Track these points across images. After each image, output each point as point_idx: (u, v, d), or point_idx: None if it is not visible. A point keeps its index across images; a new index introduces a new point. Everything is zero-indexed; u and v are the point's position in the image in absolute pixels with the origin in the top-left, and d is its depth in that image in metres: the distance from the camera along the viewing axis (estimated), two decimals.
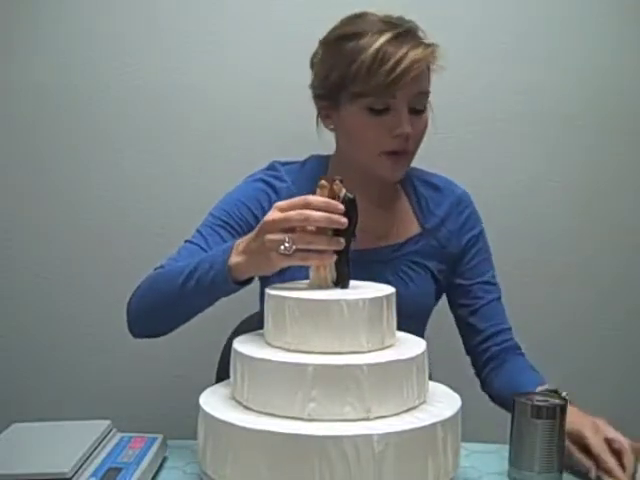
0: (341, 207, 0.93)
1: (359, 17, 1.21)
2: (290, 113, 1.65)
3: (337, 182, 0.95)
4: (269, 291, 0.93)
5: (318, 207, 0.92)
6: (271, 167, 1.31)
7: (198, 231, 1.24)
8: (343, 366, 0.84)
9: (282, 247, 0.92)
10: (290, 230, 0.93)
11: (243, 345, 0.93)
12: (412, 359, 0.89)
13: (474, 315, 1.30)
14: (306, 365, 0.84)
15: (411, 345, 0.94)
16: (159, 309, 1.12)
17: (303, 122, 1.29)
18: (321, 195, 0.94)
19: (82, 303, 1.76)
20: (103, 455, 0.98)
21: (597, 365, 1.75)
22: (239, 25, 1.69)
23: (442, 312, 1.36)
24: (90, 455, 0.97)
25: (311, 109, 1.27)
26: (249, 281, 1.04)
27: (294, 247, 0.92)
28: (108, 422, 1.07)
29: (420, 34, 1.20)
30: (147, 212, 1.73)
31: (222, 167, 1.67)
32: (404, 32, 1.17)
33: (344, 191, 0.94)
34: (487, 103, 1.70)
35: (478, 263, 1.32)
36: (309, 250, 0.93)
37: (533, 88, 1.70)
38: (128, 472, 0.93)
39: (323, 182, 0.95)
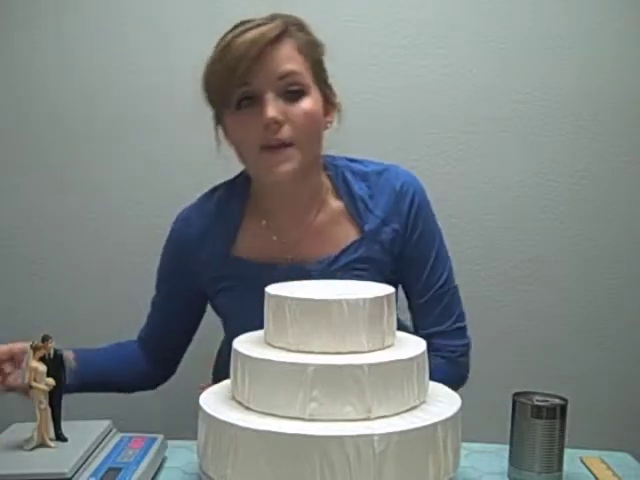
0: None
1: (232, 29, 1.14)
2: None
3: (50, 342, 0.98)
4: (269, 291, 0.93)
5: None
6: (196, 203, 1.31)
7: (154, 303, 1.28)
8: (344, 366, 0.84)
9: None
10: None
11: (243, 345, 0.93)
12: (412, 359, 0.89)
13: (411, 311, 1.25)
14: (307, 365, 0.84)
15: (411, 345, 0.94)
16: None
17: None
18: (34, 357, 0.97)
19: (82, 303, 1.76)
20: (103, 455, 0.98)
21: (598, 366, 1.75)
22: None
23: None
24: (90, 455, 0.96)
25: None
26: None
27: None
28: (108, 422, 1.06)
29: (291, 27, 1.12)
30: (149, 212, 1.73)
31: (224, 166, 1.67)
32: (255, 25, 1.10)
33: (53, 349, 0.99)
34: (487, 103, 1.70)
35: (419, 266, 1.21)
36: None
37: (533, 89, 1.70)
38: (128, 472, 0.93)
39: (37, 344, 0.98)
